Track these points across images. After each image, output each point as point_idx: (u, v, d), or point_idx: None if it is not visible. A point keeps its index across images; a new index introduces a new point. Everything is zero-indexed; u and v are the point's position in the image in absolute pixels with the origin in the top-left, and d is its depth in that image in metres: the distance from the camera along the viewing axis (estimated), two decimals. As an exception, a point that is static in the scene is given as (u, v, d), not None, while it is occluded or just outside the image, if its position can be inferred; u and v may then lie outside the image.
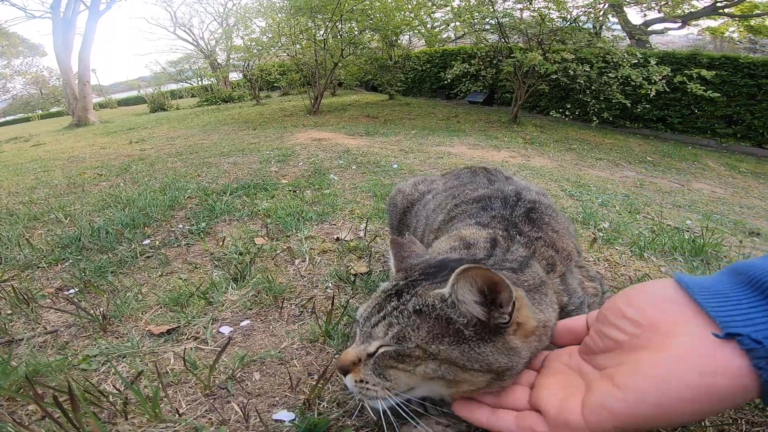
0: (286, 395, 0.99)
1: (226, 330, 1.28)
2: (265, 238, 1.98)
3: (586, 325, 0.78)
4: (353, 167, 3.63)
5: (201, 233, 2.09)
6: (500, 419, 0.71)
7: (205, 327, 1.29)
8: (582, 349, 0.73)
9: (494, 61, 8.87)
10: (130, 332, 1.28)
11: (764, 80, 8.40)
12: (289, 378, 1.04)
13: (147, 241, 2.04)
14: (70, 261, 1.85)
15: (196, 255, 1.88)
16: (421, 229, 1.36)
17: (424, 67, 13.79)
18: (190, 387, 1.04)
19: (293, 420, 0.91)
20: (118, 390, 1.03)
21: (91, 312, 1.35)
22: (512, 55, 7.45)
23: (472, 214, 1.12)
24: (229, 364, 1.11)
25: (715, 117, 9.04)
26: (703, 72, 7.04)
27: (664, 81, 6.92)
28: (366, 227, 2.04)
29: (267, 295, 1.43)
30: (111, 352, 1.19)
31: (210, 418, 0.93)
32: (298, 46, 10.07)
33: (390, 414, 0.77)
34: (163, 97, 16.68)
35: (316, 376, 1.04)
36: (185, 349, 1.17)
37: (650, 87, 6.87)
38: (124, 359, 1.17)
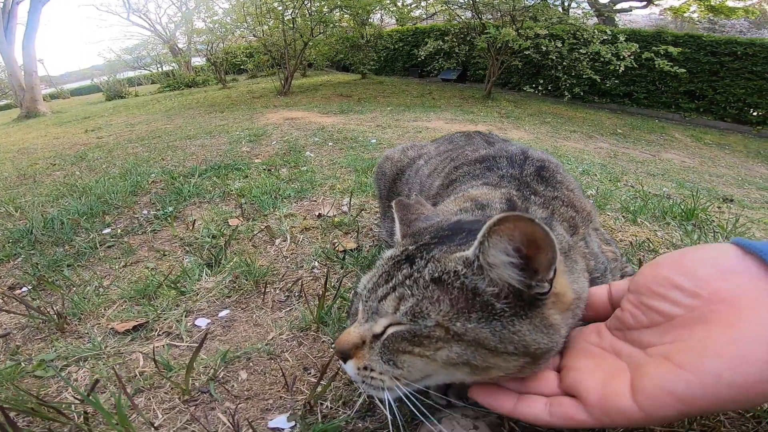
0: (280, 397, 0.84)
1: (202, 323, 1.13)
2: (240, 218, 1.81)
3: (609, 296, 0.68)
4: (330, 144, 3.45)
5: (168, 218, 1.89)
6: (529, 407, 0.60)
7: (177, 321, 1.13)
8: (613, 324, 0.63)
9: (467, 38, 8.82)
10: (92, 331, 1.12)
11: (726, 58, 8.76)
12: (283, 375, 0.88)
13: (107, 230, 1.86)
14: (22, 256, 1.65)
15: (163, 241, 1.70)
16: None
17: (396, 46, 13.55)
18: (165, 392, 0.88)
19: (293, 428, 0.75)
20: (79, 400, 0.87)
21: (46, 311, 1.18)
22: (486, 32, 7.39)
23: (476, 175, 1.00)
24: (209, 362, 0.95)
25: (679, 92, 9.38)
26: (671, 48, 7.25)
27: (632, 57, 7.12)
28: (350, 201, 1.90)
29: (247, 280, 1.27)
30: (70, 356, 1.03)
31: (191, 430, 0.78)
32: (265, 26, 9.60)
33: (397, 408, 0.64)
34: (120, 85, 15.77)
35: (313, 371, 0.90)
36: (155, 347, 1.02)
37: (619, 63, 7.07)
38: (85, 363, 1.01)
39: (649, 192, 2.72)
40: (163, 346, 1.03)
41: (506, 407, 0.61)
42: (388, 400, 0.63)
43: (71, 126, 7.66)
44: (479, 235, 0.55)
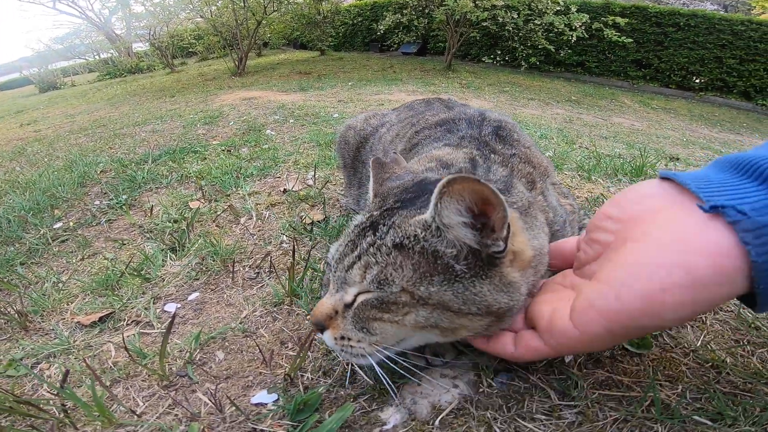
0: (260, 373, 0.84)
1: (172, 307, 1.09)
2: (202, 200, 1.75)
3: (577, 245, 0.71)
4: (291, 121, 3.35)
5: (123, 206, 1.79)
6: (500, 342, 0.66)
7: (145, 308, 1.09)
8: (575, 266, 0.68)
9: (426, 11, 8.70)
10: (57, 327, 1.07)
11: (670, 28, 9.19)
12: (260, 352, 0.88)
13: (59, 224, 1.75)
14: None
15: (121, 230, 1.62)
16: None
17: (355, 21, 13.23)
18: (143, 380, 0.86)
19: (276, 401, 0.76)
20: (54, 395, 0.83)
21: (6, 311, 1.12)
22: (444, 3, 7.34)
23: (437, 137, 1.01)
24: (184, 346, 0.93)
25: (628, 61, 9.80)
26: (618, 19, 7.53)
27: (583, 27, 7.38)
28: (315, 175, 1.88)
29: (214, 261, 1.24)
30: (38, 353, 0.98)
31: (176, 415, 0.76)
32: (213, 7, 9.04)
33: (383, 372, 0.66)
34: (54, 76, 14.50)
35: (290, 345, 0.90)
36: (126, 337, 0.98)
37: (571, 33, 7.31)
38: (56, 359, 0.97)
39: (602, 153, 2.85)
40: (134, 334, 1.00)
41: (481, 345, 0.67)
42: (374, 365, 0.65)
43: (3, 121, 7.03)
44: (433, 198, 0.56)
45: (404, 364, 0.66)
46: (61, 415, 0.75)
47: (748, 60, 8.76)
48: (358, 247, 0.64)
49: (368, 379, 0.75)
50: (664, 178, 0.58)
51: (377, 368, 0.66)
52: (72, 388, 0.82)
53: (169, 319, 0.98)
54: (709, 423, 0.63)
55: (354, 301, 0.64)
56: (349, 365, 0.77)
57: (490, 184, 0.53)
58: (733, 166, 0.54)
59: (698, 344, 0.81)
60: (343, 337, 0.65)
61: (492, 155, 0.86)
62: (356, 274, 0.63)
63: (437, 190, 0.55)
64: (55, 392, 0.83)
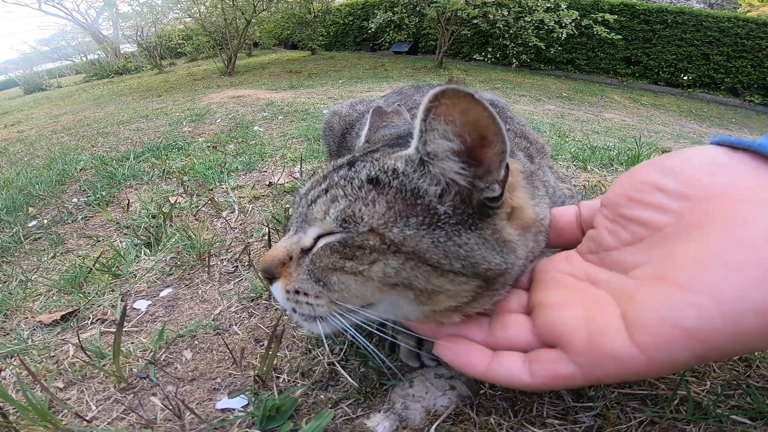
0: (230, 374, 0.76)
1: (142, 305, 1.02)
2: (183, 195, 1.67)
3: (577, 218, 0.58)
4: (280, 117, 3.28)
5: (100, 203, 1.71)
6: (505, 367, 0.47)
7: (112, 305, 1.01)
8: (587, 248, 0.52)
9: (417, 9, 8.68)
10: (19, 327, 1.00)
11: (658, 25, 9.27)
12: (229, 350, 0.80)
13: (33, 223, 1.68)
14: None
15: (96, 227, 1.54)
16: None
17: (346, 20, 13.18)
18: (99, 382, 0.79)
19: (246, 406, 0.67)
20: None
21: None
22: (435, 1, 7.33)
23: (426, 117, 0.94)
24: (149, 345, 0.86)
25: (617, 59, 9.87)
26: (607, 16, 7.56)
27: (573, 24, 7.37)
28: (301, 167, 1.81)
29: (189, 255, 1.16)
30: None
31: (129, 421, 0.69)
32: (202, 6, 8.94)
33: (358, 335, 0.54)
34: (39, 77, 14.36)
35: (265, 342, 0.81)
36: (86, 336, 0.91)
37: (561, 30, 7.30)
38: (13, 360, 0.90)
39: (595, 145, 2.83)
40: (97, 333, 0.92)
41: (479, 368, 0.49)
42: (325, 330, 0.54)
43: (-13, 122, 6.86)
44: (417, 121, 0.46)
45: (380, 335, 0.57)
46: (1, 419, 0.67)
47: (735, 57, 8.84)
48: (328, 181, 0.55)
49: (352, 381, 0.67)
50: (733, 147, 0.44)
51: (355, 333, 0.54)
52: (28, 390, 0.74)
53: (145, 318, 0.91)
54: (749, 422, 0.55)
55: (314, 245, 0.53)
56: (331, 365, 0.70)
57: (487, 105, 0.43)
58: None
59: None
60: (297, 291, 0.54)
61: None
62: (319, 210, 0.52)
63: (422, 107, 0.44)
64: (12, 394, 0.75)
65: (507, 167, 0.48)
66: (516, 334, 0.49)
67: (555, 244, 0.60)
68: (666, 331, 0.37)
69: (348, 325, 0.53)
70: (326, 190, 0.53)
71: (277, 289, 0.55)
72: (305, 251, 0.54)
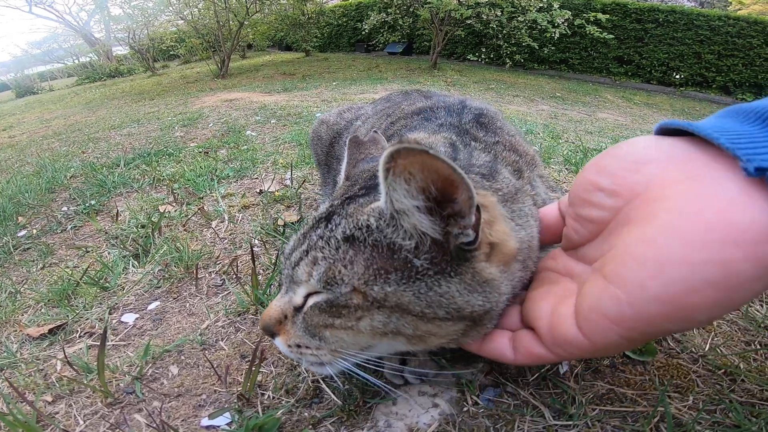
0: (215, 390, 0.76)
1: (130, 318, 1.01)
2: (173, 204, 1.66)
3: (560, 213, 0.61)
4: (272, 121, 3.26)
5: (89, 212, 1.70)
6: (495, 343, 0.56)
7: (100, 319, 1.01)
8: (565, 245, 0.57)
9: (411, 9, 8.68)
10: (8, 339, 1.00)
11: (650, 24, 9.29)
12: (213, 367, 0.79)
13: (23, 233, 1.67)
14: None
15: (86, 237, 1.53)
16: None
17: (340, 21, 13.14)
18: (87, 397, 0.79)
19: (230, 423, 0.67)
20: None
21: None
22: (428, 1, 7.31)
23: (414, 127, 0.94)
24: (135, 360, 0.85)
25: (609, 58, 9.90)
26: (600, 15, 7.56)
27: (566, 24, 7.36)
28: (292, 174, 1.80)
29: (177, 267, 1.16)
30: None
31: None
32: (194, 9, 8.88)
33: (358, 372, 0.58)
34: (30, 80, 14.21)
35: (251, 358, 0.81)
36: (73, 350, 0.90)
37: (554, 30, 7.29)
38: (1, 373, 0.89)
39: (588, 147, 2.83)
40: (85, 348, 0.91)
41: (472, 346, 0.57)
42: (331, 372, 0.57)
43: (-23, 127, 6.78)
44: (380, 179, 0.46)
45: (380, 376, 0.59)
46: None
47: (727, 55, 8.90)
48: (307, 241, 0.56)
49: (336, 399, 0.67)
50: (667, 131, 0.47)
51: (335, 377, 0.58)
52: (14, 405, 0.74)
53: (132, 332, 0.91)
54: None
55: (304, 303, 0.56)
56: (315, 382, 0.70)
57: (444, 157, 0.43)
58: (759, 117, 0.41)
59: (707, 348, 0.74)
60: (299, 345, 0.57)
61: (473, 143, 0.79)
62: (303, 272, 0.54)
63: (380, 167, 0.44)
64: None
65: (477, 209, 0.48)
66: (510, 320, 0.58)
67: (547, 241, 0.63)
68: (595, 318, 0.43)
69: (352, 366, 0.57)
70: (307, 252, 0.54)
71: (280, 344, 0.58)
72: (298, 309, 0.56)
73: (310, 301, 0.55)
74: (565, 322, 0.47)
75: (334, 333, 0.54)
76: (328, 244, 0.53)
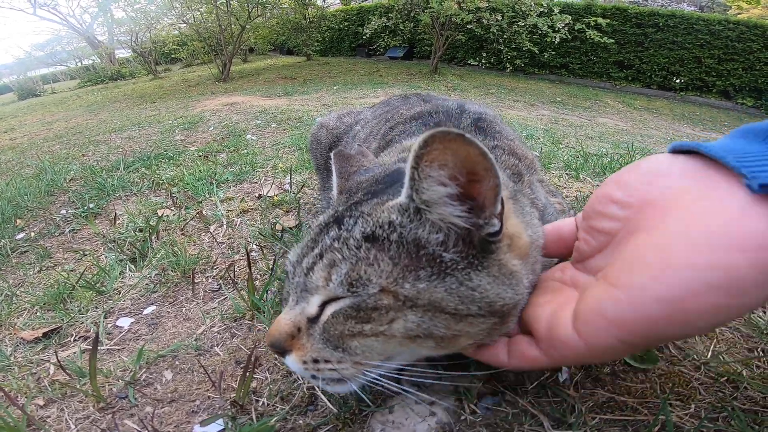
0: (209, 396, 0.74)
1: (125, 322, 1.00)
2: (171, 208, 1.65)
3: (576, 228, 0.61)
4: (273, 125, 3.27)
5: (88, 216, 1.69)
6: (489, 348, 0.56)
7: (94, 323, 1.00)
8: (575, 257, 0.58)
9: (412, 14, 8.73)
10: (1, 343, 1.00)
11: (650, 29, 9.30)
12: (206, 372, 0.78)
13: (21, 235, 1.66)
14: None
15: (83, 241, 1.53)
16: None
17: (341, 26, 13.18)
18: (79, 401, 0.78)
19: (222, 430, 0.65)
20: None
21: None
22: (429, 6, 7.34)
23: (412, 132, 0.93)
24: (129, 365, 0.84)
25: (609, 63, 9.91)
26: (600, 20, 7.57)
27: (566, 28, 7.40)
28: (291, 178, 1.79)
29: (174, 272, 1.15)
30: None
31: None
32: (196, 12, 8.94)
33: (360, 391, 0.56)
34: (33, 83, 14.28)
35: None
36: (67, 354, 0.90)
37: (555, 35, 7.34)
38: None
39: (589, 152, 2.83)
40: (78, 352, 0.91)
41: (469, 350, 0.57)
42: (353, 389, 0.55)
43: (-21, 130, 6.81)
44: (407, 168, 0.45)
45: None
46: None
47: (727, 59, 8.91)
48: (320, 244, 0.53)
49: (331, 407, 0.66)
50: (680, 151, 0.48)
51: (358, 392, 0.55)
52: (5, 409, 0.73)
53: (127, 336, 0.90)
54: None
55: (320, 313, 0.53)
56: (310, 389, 0.69)
57: (478, 142, 0.43)
58: (765, 137, 0.43)
59: (709, 355, 0.73)
60: (316, 360, 0.52)
61: None
62: (319, 277, 0.51)
63: (412, 155, 0.44)
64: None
65: (502, 199, 0.48)
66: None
67: (560, 254, 0.63)
68: (593, 319, 0.44)
69: (377, 377, 0.54)
70: (321, 255, 0.52)
71: (292, 361, 0.54)
72: (312, 320, 0.53)
73: (330, 309, 0.52)
74: (563, 325, 0.48)
75: (363, 341, 0.50)
76: (347, 245, 0.50)
